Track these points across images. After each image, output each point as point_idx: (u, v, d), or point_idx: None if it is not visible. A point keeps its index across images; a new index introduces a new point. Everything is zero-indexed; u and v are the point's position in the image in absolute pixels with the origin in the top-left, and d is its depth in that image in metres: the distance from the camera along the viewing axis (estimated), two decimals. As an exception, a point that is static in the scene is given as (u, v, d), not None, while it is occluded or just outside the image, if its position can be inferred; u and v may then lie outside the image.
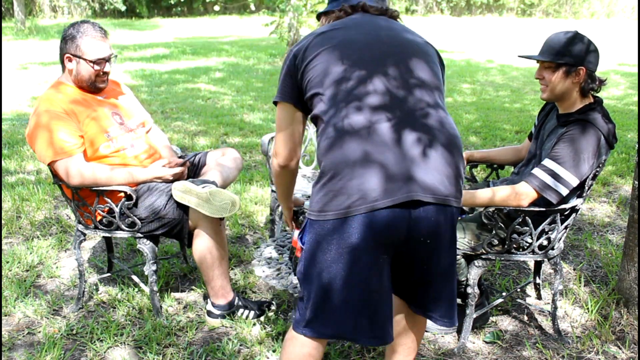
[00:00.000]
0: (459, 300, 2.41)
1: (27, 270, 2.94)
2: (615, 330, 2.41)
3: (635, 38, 17.77)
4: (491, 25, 23.92)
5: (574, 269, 3.00)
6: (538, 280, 2.63)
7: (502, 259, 2.24)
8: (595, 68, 2.11)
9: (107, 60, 2.37)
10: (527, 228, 2.14)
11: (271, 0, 12.92)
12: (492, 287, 2.79)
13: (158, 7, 28.82)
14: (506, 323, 2.52)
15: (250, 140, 5.54)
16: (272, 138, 3.13)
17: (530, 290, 2.81)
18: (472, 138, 5.73)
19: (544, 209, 2.09)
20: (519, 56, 2.26)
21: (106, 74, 2.40)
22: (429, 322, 2.41)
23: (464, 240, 2.21)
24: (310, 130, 3.34)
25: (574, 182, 2.03)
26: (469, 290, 2.24)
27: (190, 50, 13.65)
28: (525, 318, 2.57)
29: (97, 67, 2.34)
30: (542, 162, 2.07)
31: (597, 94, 2.19)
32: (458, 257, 2.23)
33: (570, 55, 2.06)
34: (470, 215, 2.37)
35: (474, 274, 2.23)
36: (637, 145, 2.82)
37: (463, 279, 2.29)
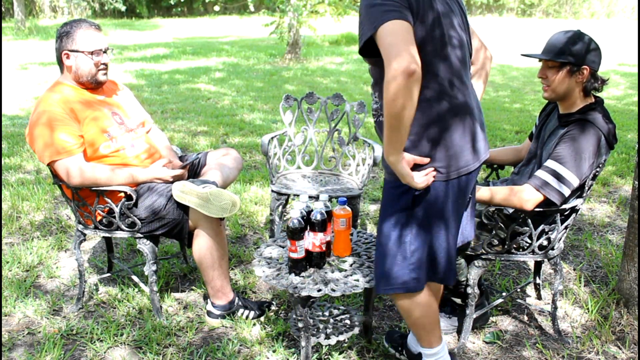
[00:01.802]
0: (458, 301, 2.41)
1: (27, 271, 2.94)
2: (615, 330, 2.41)
3: (635, 38, 17.77)
4: (491, 25, 23.91)
5: (574, 269, 3.00)
6: (538, 281, 2.63)
7: (502, 259, 2.24)
8: (598, 67, 2.11)
9: (104, 51, 2.37)
10: (527, 228, 2.14)
11: (271, 0, 12.92)
12: (492, 287, 2.79)
13: (158, 7, 28.83)
14: (506, 323, 2.52)
15: (250, 140, 5.54)
16: (272, 138, 3.13)
17: (530, 290, 2.81)
18: (472, 138, 5.72)
19: (544, 209, 2.09)
20: (522, 55, 2.25)
21: (105, 65, 2.40)
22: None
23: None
24: (310, 130, 3.34)
25: (575, 182, 2.03)
26: (469, 290, 2.24)
27: (190, 50, 13.65)
28: (525, 318, 2.57)
29: (96, 58, 2.34)
30: (545, 163, 2.06)
31: (598, 94, 2.19)
32: (458, 256, 2.23)
33: (574, 54, 2.06)
34: None
35: (474, 274, 2.23)
36: (637, 145, 2.82)
37: (463, 279, 2.29)
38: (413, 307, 1.87)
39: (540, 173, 2.06)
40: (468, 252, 2.22)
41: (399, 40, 1.50)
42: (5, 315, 2.53)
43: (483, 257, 2.22)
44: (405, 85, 1.48)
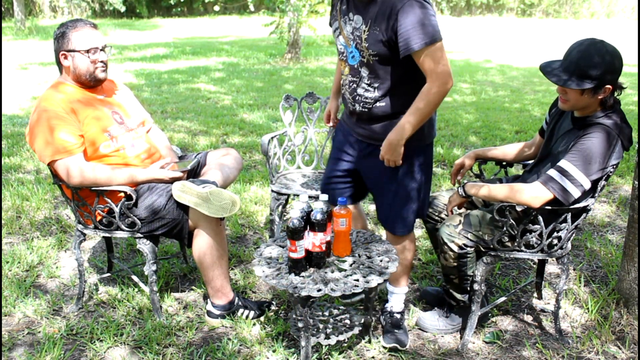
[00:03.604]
0: (460, 297, 2.40)
1: (27, 270, 2.94)
2: (615, 330, 2.41)
3: (635, 38, 17.78)
4: (491, 25, 23.91)
5: (574, 269, 3.00)
6: (540, 280, 2.62)
7: (511, 256, 2.23)
8: (619, 77, 2.05)
9: (101, 49, 2.36)
10: (538, 226, 2.14)
11: (271, 0, 12.92)
12: (492, 287, 2.79)
13: (158, 7, 28.82)
14: (506, 323, 2.52)
15: (250, 140, 5.54)
16: (272, 138, 3.13)
17: (530, 290, 2.81)
18: (472, 138, 5.73)
19: (556, 208, 2.08)
20: (542, 71, 2.08)
21: (104, 63, 2.39)
22: (428, 323, 2.45)
23: (478, 232, 2.20)
24: (310, 130, 3.34)
25: (587, 185, 2.02)
26: (476, 287, 2.24)
27: (190, 50, 13.65)
28: (526, 318, 2.57)
29: (92, 56, 2.33)
30: (558, 164, 2.04)
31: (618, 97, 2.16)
32: (470, 249, 2.22)
33: (598, 77, 1.99)
34: (486, 209, 2.36)
35: (481, 270, 2.22)
36: (637, 145, 2.82)
37: (470, 274, 2.28)
38: (412, 245, 2.39)
39: (552, 172, 2.04)
40: (481, 246, 2.22)
41: (447, 61, 1.98)
42: (5, 315, 2.53)
43: (492, 253, 2.22)
44: (443, 96, 2.02)
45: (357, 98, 2.15)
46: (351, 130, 2.30)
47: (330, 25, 2.26)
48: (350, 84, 2.16)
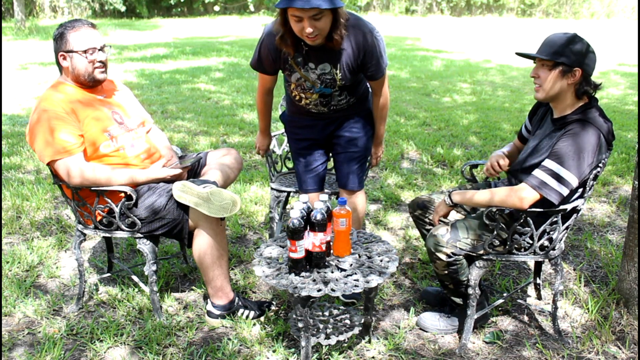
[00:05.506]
0: (459, 301, 2.41)
1: (27, 270, 2.94)
2: (615, 330, 2.41)
3: (635, 38, 17.78)
4: (491, 25, 23.91)
5: (574, 269, 3.00)
6: (538, 281, 2.63)
7: (503, 259, 2.24)
8: (592, 71, 2.08)
9: (100, 49, 2.35)
10: (529, 229, 2.14)
11: (271, 0, 12.93)
12: (492, 287, 2.79)
13: (158, 8, 28.81)
14: (506, 323, 2.52)
15: (251, 140, 5.54)
16: (272, 137, 3.12)
17: (530, 290, 2.81)
18: (472, 138, 5.72)
19: (545, 210, 2.09)
20: (517, 53, 2.20)
21: (103, 63, 2.37)
22: (429, 323, 2.44)
23: (466, 240, 2.20)
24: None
25: (574, 182, 2.02)
26: (470, 290, 2.24)
27: (190, 50, 13.64)
28: (525, 318, 2.57)
29: (90, 57, 2.32)
30: (543, 163, 2.06)
31: (594, 95, 2.17)
32: (460, 257, 2.23)
33: (568, 55, 2.04)
34: (472, 215, 2.37)
35: (475, 274, 2.22)
36: (637, 145, 2.82)
37: (464, 279, 2.29)
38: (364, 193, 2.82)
39: (538, 172, 2.05)
40: (470, 253, 2.22)
41: None
42: (5, 315, 2.53)
43: (484, 257, 2.22)
44: None
45: (332, 107, 2.54)
46: (319, 119, 2.62)
47: (282, 71, 2.50)
48: (322, 101, 2.51)
